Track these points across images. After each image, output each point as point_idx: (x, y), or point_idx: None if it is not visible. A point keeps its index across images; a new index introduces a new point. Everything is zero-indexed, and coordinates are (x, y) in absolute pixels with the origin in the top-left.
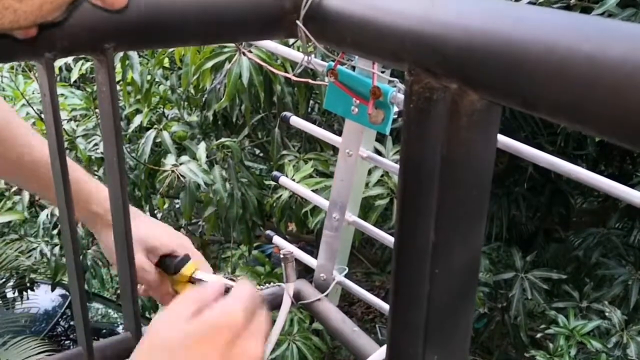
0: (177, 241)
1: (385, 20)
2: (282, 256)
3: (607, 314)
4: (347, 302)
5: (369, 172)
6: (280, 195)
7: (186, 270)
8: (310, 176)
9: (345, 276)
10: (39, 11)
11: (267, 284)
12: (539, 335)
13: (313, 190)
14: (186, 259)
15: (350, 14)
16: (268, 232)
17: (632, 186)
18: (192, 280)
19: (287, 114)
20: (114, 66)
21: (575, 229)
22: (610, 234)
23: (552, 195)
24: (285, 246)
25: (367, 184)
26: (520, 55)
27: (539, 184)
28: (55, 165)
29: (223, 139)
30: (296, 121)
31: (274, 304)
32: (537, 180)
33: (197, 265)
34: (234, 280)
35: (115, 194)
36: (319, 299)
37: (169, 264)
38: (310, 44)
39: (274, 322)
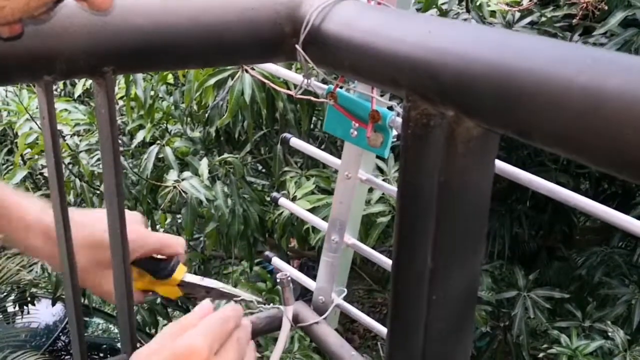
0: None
1: (383, 46)
2: (279, 280)
3: (610, 333)
4: (349, 319)
5: (371, 189)
6: (282, 212)
7: (178, 275)
8: (312, 193)
9: (347, 293)
10: (26, 7)
11: (266, 305)
12: (541, 354)
13: (315, 207)
14: (176, 262)
15: (349, 39)
16: (267, 253)
17: (636, 205)
18: (181, 284)
19: (287, 135)
20: (114, 89)
21: (578, 248)
22: (613, 252)
23: (554, 213)
24: (284, 268)
25: (368, 202)
26: (516, 84)
27: (542, 201)
28: (53, 186)
29: (225, 155)
30: (296, 142)
31: (273, 326)
32: (539, 198)
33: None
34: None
35: (113, 217)
36: (317, 322)
37: (160, 268)
38: (309, 67)
39: (274, 340)
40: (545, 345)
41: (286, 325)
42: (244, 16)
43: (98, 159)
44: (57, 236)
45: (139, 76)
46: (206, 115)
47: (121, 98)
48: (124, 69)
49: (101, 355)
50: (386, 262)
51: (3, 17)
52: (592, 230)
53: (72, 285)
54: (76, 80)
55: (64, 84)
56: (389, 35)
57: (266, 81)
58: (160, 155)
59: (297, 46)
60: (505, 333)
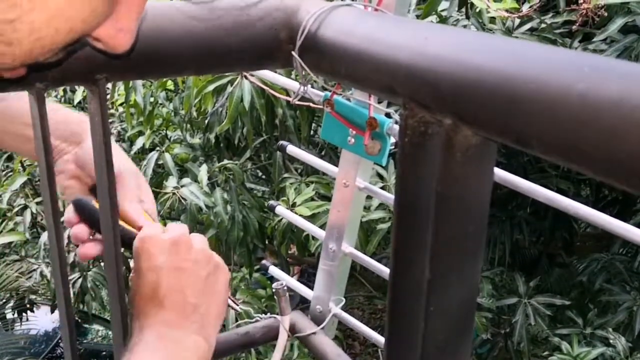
0: None
1: (379, 53)
2: (274, 290)
3: (611, 341)
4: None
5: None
6: (282, 218)
7: None
8: (312, 199)
9: (347, 299)
10: (29, 53)
11: (263, 315)
12: None
13: (314, 214)
14: None
15: (345, 46)
16: (264, 261)
17: (636, 212)
18: None
19: (284, 143)
20: (106, 96)
21: (579, 254)
22: (614, 259)
23: (555, 220)
24: (281, 277)
25: (368, 208)
26: (513, 92)
27: (542, 208)
28: (45, 193)
29: (225, 162)
30: (293, 150)
31: (270, 336)
32: (540, 204)
33: None
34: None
35: (106, 224)
36: (314, 333)
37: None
38: (306, 74)
39: (274, 347)
40: (546, 353)
41: (283, 336)
42: (239, 22)
43: None
44: (50, 244)
45: (139, 82)
46: (206, 121)
47: (121, 104)
48: (117, 77)
49: None
50: (384, 270)
51: (3, 62)
52: (592, 237)
53: (63, 293)
54: (76, 87)
55: (64, 90)
56: (386, 42)
57: (265, 87)
58: (160, 162)
59: (293, 53)
60: (506, 340)
